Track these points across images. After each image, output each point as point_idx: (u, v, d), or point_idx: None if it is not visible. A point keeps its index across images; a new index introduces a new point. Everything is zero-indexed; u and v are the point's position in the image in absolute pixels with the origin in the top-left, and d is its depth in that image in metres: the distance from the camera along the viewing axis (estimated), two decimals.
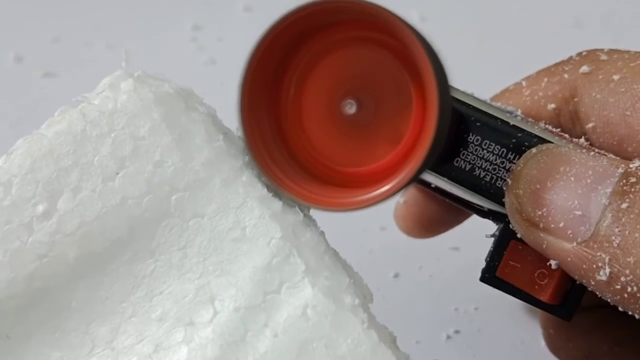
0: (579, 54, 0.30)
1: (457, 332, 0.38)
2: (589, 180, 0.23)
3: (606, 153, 0.26)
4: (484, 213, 0.27)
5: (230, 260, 0.23)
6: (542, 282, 0.26)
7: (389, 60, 0.24)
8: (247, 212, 0.24)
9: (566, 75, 0.29)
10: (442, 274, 0.40)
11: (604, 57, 0.28)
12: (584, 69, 0.28)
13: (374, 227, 0.41)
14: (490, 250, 0.27)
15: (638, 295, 0.22)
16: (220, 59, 0.50)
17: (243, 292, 0.23)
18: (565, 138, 0.26)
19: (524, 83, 0.31)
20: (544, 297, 0.26)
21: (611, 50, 0.29)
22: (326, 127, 0.24)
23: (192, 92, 0.25)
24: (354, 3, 0.22)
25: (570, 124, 0.29)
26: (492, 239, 0.27)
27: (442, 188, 0.27)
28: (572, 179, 0.23)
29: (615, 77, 0.27)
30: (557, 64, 0.30)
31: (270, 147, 0.24)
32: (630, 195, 0.22)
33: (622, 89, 0.27)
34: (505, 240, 0.26)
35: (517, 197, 0.24)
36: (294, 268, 0.23)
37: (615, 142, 0.27)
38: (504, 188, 0.25)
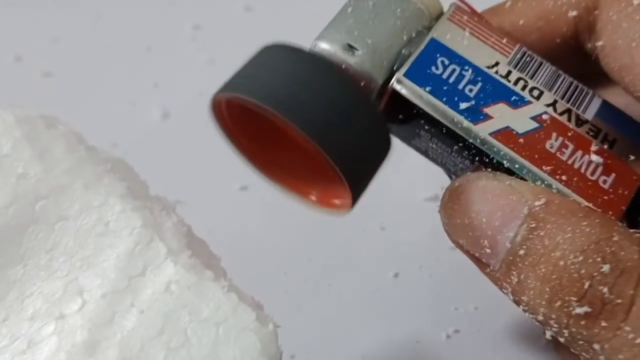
0: None
1: (457, 332, 0.37)
2: (497, 223, 0.24)
3: (538, 168, 0.25)
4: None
5: (96, 254, 0.25)
6: None
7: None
8: (109, 209, 0.25)
9: None
10: (442, 274, 0.39)
11: None
12: None
13: (374, 227, 0.40)
14: None
15: (561, 333, 0.23)
16: (220, 59, 0.49)
17: (109, 279, 0.24)
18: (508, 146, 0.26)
19: None
20: None
21: None
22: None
23: (55, 117, 0.27)
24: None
25: (586, 34, 0.28)
26: None
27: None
28: (484, 219, 0.24)
29: (636, 2, 0.26)
30: None
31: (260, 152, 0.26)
32: (528, 243, 0.23)
33: (638, 17, 0.26)
34: None
35: (444, 224, 0.26)
36: (156, 252, 0.24)
37: (616, 68, 0.27)
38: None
